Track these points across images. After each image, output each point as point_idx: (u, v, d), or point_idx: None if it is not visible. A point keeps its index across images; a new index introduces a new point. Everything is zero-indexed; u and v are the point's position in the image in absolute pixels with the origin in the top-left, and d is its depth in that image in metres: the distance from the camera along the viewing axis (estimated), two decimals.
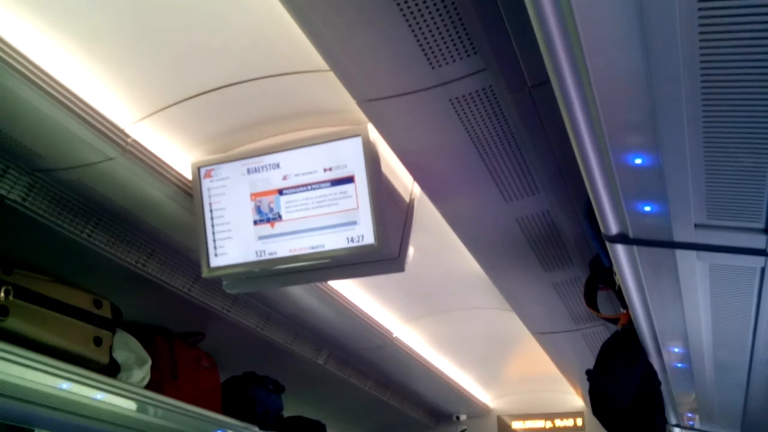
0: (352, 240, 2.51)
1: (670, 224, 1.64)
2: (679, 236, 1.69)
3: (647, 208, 1.60)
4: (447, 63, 1.90)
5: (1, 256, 2.81)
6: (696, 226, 1.63)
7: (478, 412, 6.33)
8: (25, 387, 2.87)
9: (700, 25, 1.06)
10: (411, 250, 2.70)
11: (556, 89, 1.27)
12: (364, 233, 2.49)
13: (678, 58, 1.14)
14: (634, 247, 1.79)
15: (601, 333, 3.75)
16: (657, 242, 1.73)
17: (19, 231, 2.68)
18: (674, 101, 1.24)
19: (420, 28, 1.76)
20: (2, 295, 2.75)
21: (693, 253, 1.76)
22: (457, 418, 6.41)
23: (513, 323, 4.14)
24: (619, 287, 2.28)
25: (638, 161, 1.42)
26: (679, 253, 1.77)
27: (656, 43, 1.11)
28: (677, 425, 3.72)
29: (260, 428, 4.04)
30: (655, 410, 2.80)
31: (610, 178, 1.49)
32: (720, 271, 1.91)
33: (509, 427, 6.35)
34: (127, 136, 2.40)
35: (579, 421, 6.11)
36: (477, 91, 2.01)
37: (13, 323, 2.75)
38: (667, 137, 1.34)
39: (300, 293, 3.59)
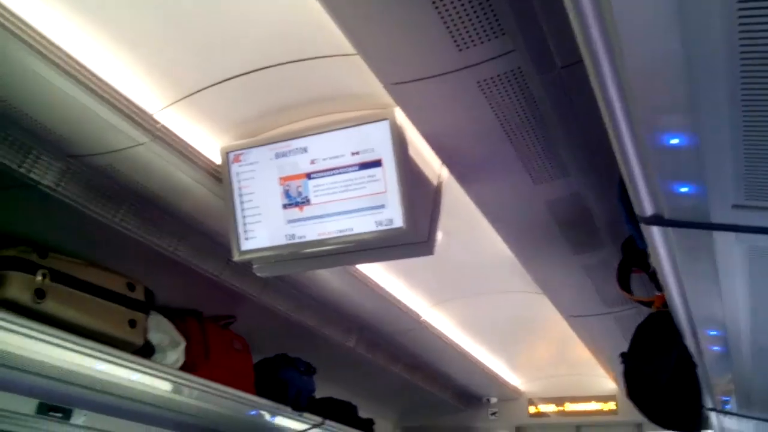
0: (381, 223, 2.50)
1: (707, 205, 1.59)
2: (716, 217, 1.64)
3: (683, 189, 1.55)
4: (474, 45, 1.86)
5: (37, 241, 2.88)
6: (734, 206, 1.58)
7: (509, 395, 6.32)
8: (63, 368, 2.95)
9: (739, 0, 1.01)
10: (439, 234, 2.69)
11: (589, 69, 1.23)
12: (393, 216, 2.48)
13: (717, 35, 1.09)
14: (670, 229, 1.74)
15: (634, 316, 3.69)
16: (693, 223, 1.67)
17: (53, 216, 2.73)
18: (712, 79, 1.20)
19: (447, 10, 1.73)
20: (39, 278, 2.81)
21: (731, 235, 1.71)
22: (488, 400, 6.41)
23: (543, 306, 4.11)
24: (654, 270, 2.23)
25: (674, 141, 1.37)
26: (717, 235, 1.72)
27: (694, 20, 1.07)
28: (713, 409, 3.65)
29: (293, 409, 4.09)
30: (691, 393, 2.76)
31: (645, 158, 1.45)
32: (759, 253, 1.85)
33: (541, 410, 6.33)
34: (156, 121, 2.41)
35: (612, 405, 6.06)
36: (505, 73, 1.97)
37: (49, 306, 2.81)
38: (705, 116, 1.29)
39: (329, 277, 3.61)
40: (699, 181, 1.54)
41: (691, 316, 2.43)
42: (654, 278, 2.44)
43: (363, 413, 5.25)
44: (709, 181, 1.52)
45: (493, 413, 6.42)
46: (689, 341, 2.70)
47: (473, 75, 1.96)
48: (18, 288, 2.74)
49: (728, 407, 3.77)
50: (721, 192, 1.55)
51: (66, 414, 3.45)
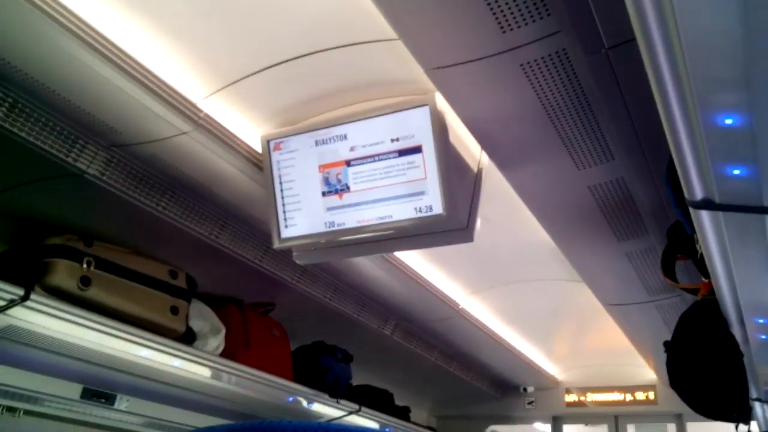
0: (420, 210, 2.50)
1: (760, 188, 1.55)
2: None
3: (736, 172, 1.51)
4: (519, 26, 1.84)
5: (83, 229, 2.94)
6: None
7: (546, 384, 6.27)
8: (107, 354, 3.01)
9: None
10: (479, 221, 2.67)
11: (641, 46, 1.21)
12: (432, 203, 2.47)
13: None
14: (720, 213, 1.70)
15: (677, 304, 3.63)
16: (745, 207, 1.63)
17: (98, 205, 2.79)
18: None
19: None
20: (84, 266, 2.87)
21: None
22: (524, 389, 6.37)
23: (582, 295, 4.06)
24: (701, 256, 2.19)
25: (728, 121, 1.33)
26: None
27: None
28: (758, 399, 3.58)
29: (330, 396, 4.12)
30: (736, 383, 2.70)
31: (697, 140, 1.41)
32: None
33: (579, 399, 6.28)
34: (200, 110, 2.44)
35: (651, 395, 5.98)
36: (550, 55, 1.94)
37: (94, 293, 2.87)
38: (762, 95, 1.25)
39: (367, 264, 3.62)
40: (752, 163, 1.50)
41: (738, 303, 2.38)
42: (700, 265, 2.39)
43: (399, 401, 5.27)
44: (764, 162, 1.48)
45: (530, 402, 6.38)
46: (736, 329, 2.65)
47: (517, 58, 1.93)
48: (64, 275, 2.81)
49: None
50: None
51: (109, 399, 3.52)
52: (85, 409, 3.43)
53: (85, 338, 2.86)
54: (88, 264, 2.89)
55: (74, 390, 3.36)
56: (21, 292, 2.51)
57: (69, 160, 2.44)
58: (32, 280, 2.70)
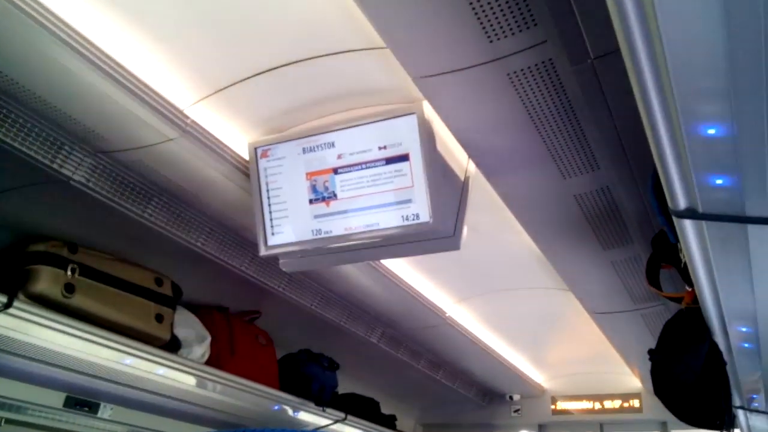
0: (407, 218, 2.50)
1: (742, 198, 1.57)
2: (752, 210, 1.61)
3: (719, 181, 1.53)
4: (506, 36, 1.85)
5: (67, 236, 2.91)
6: None
7: (532, 392, 6.29)
8: (91, 362, 2.98)
9: None
10: (465, 229, 2.68)
11: (626, 57, 1.22)
12: (419, 211, 2.48)
13: (759, 21, 1.08)
14: (704, 223, 1.72)
15: (662, 313, 3.66)
16: (728, 217, 1.65)
17: (83, 211, 2.77)
18: (752, 67, 1.18)
19: (479, 1, 1.72)
20: (69, 273, 2.85)
21: (767, 228, 1.69)
22: (511, 398, 6.38)
23: (568, 303, 4.08)
24: (684, 265, 2.21)
25: (711, 131, 1.35)
26: (752, 229, 1.70)
27: (736, 4, 1.05)
28: (741, 407, 3.61)
29: (316, 404, 4.11)
30: (719, 391, 2.72)
31: (680, 150, 1.43)
32: None
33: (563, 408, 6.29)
34: (186, 117, 2.43)
35: (636, 403, 6.01)
36: (536, 65, 1.96)
37: (79, 300, 2.85)
38: (744, 105, 1.27)
39: (354, 272, 3.61)
40: (735, 173, 1.52)
41: (722, 312, 2.40)
42: (684, 273, 2.41)
43: (385, 409, 5.26)
44: (746, 172, 1.50)
45: (516, 410, 6.40)
46: (719, 338, 2.67)
47: (504, 67, 1.95)
48: (48, 282, 2.78)
49: (756, 405, 3.72)
50: (758, 184, 1.53)
51: (93, 408, 3.49)
52: (68, 418, 3.39)
53: (69, 346, 2.83)
54: (73, 271, 2.86)
55: (57, 398, 3.33)
56: (4, 299, 2.48)
57: (54, 166, 2.43)
58: (15, 287, 2.67)
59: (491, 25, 1.80)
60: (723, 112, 1.31)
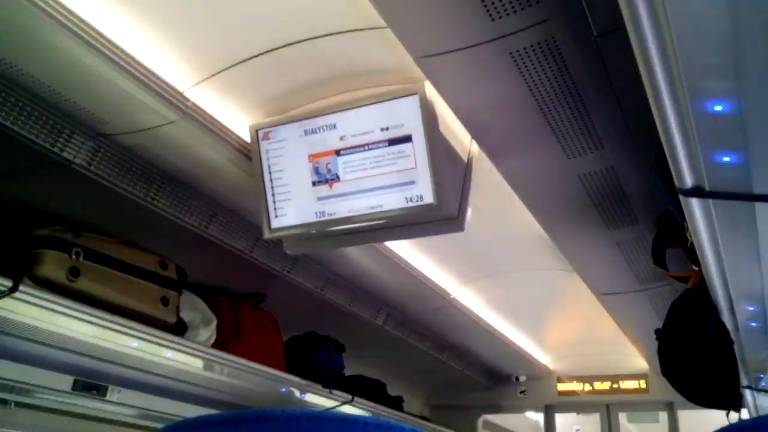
0: (411, 200, 2.49)
1: (749, 175, 1.55)
2: (759, 188, 1.59)
3: (726, 159, 1.51)
4: (507, 14, 1.82)
5: (71, 220, 2.91)
6: None
7: (538, 373, 6.30)
8: (97, 345, 2.99)
9: None
10: (470, 210, 2.66)
11: (631, 33, 1.19)
12: (423, 193, 2.46)
13: None
14: (710, 201, 1.70)
15: (668, 293, 3.64)
16: (735, 195, 1.63)
17: (86, 195, 2.77)
18: (760, 43, 1.16)
19: None
20: (73, 257, 2.84)
21: None
22: (517, 379, 6.40)
23: (573, 284, 4.07)
24: (691, 244, 2.19)
25: (718, 108, 1.33)
26: (759, 206, 1.68)
27: None
28: (748, 386, 3.60)
29: (323, 386, 4.12)
30: (727, 371, 2.72)
31: (686, 127, 1.41)
32: None
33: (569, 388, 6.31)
34: (187, 99, 2.41)
35: (642, 383, 6.01)
36: (539, 43, 1.93)
37: (83, 284, 2.84)
38: (751, 81, 1.25)
39: (358, 255, 3.61)
40: (742, 150, 1.50)
41: (729, 291, 2.38)
42: (691, 253, 2.40)
43: (392, 391, 5.28)
44: (753, 149, 1.47)
45: (522, 391, 6.41)
46: (726, 317, 2.66)
47: (506, 46, 1.92)
48: (53, 266, 2.78)
49: (763, 385, 3.71)
50: (765, 161, 1.51)
51: (101, 391, 3.50)
52: (76, 401, 3.42)
53: (75, 329, 2.84)
54: (77, 255, 2.86)
55: (66, 382, 3.34)
56: (9, 283, 2.48)
57: (55, 149, 2.42)
58: (20, 271, 2.67)
59: (493, 4, 1.78)
60: (730, 89, 1.28)
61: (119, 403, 3.58)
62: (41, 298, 2.62)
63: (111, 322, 2.87)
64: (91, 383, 3.44)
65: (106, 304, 2.90)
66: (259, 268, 3.50)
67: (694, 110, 1.34)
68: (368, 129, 2.50)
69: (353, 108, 2.51)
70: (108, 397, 3.53)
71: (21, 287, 2.51)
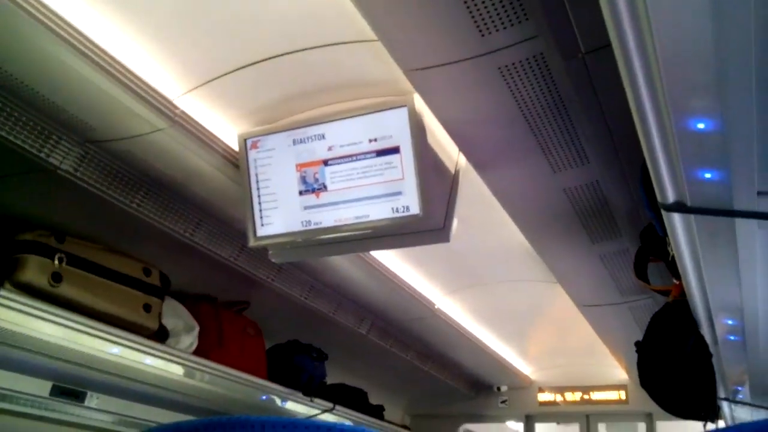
0: (397, 210, 2.50)
1: (731, 192, 1.58)
2: (739, 204, 1.63)
3: (707, 175, 1.54)
4: (497, 30, 1.85)
5: (55, 225, 2.89)
6: (759, 194, 1.57)
7: (520, 383, 6.33)
8: (78, 351, 2.96)
9: None
10: (455, 222, 2.68)
11: (616, 51, 1.22)
12: (409, 204, 2.48)
13: (748, 16, 1.08)
14: (692, 216, 1.73)
15: (649, 306, 3.69)
16: (716, 210, 1.67)
17: (71, 201, 2.75)
18: (742, 62, 1.19)
19: None
20: (56, 262, 2.83)
21: (754, 222, 1.70)
22: (498, 389, 6.42)
23: (556, 296, 4.10)
24: (672, 258, 2.22)
25: (701, 126, 1.36)
26: (739, 222, 1.71)
27: (726, 3, 1.06)
28: (726, 399, 3.65)
29: (304, 394, 4.11)
30: (705, 383, 2.75)
31: (669, 144, 1.44)
32: None
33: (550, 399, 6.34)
34: (176, 107, 2.41)
35: (622, 395, 6.06)
36: (528, 59, 1.96)
37: (66, 290, 2.83)
38: (733, 100, 1.28)
39: (343, 264, 3.61)
40: (723, 167, 1.53)
41: (708, 304, 2.42)
42: (672, 267, 2.43)
43: (373, 400, 5.27)
44: (734, 167, 1.51)
45: (503, 401, 6.43)
46: (705, 330, 2.70)
47: (495, 61, 1.95)
48: (35, 271, 2.76)
49: (741, 397, 3.77)
50: (746, 178, 1.54)
51: (80, 396, 3.46)
52: (54, 406, 3.37)
53: (56, 335, 2.81)
54: (60, 260, 2.84)
55: (44, 387, 3.30)
56: None
57: (42, 155, 2.41)
58: (2, 275, 2.65)
59: (483, 19, 1.80)
60: (712, 107, 1.32)
61: (98, 409, 3.54)
62: (22, 303, 2.60)
63: (92, 328, 2.86)
64: (69, 389, 3.40)
65: (88, 310, 2.89)
66: (243, 276, 3.50)
67: (677, 127, 1.37)
68: (356, 140, 2.51)
69: (342, 119, 2.53)
70: (86, 402, 3.49)
71: (2, 292, 2.50)
